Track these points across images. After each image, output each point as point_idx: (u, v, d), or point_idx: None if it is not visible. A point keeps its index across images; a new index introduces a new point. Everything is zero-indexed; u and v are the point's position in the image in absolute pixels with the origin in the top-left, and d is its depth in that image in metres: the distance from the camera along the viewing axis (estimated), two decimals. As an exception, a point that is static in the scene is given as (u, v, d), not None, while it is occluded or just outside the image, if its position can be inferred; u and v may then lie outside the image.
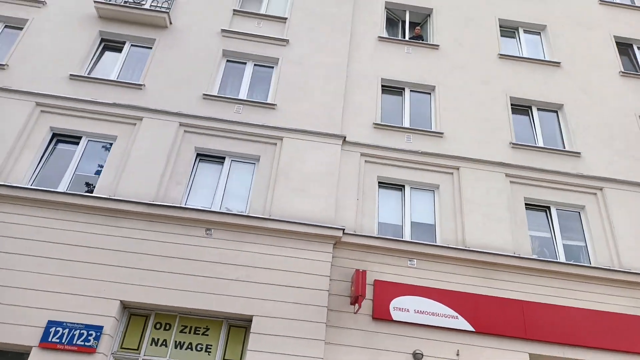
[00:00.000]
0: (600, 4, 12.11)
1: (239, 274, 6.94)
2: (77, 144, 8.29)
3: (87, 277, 6.70)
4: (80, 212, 7.21)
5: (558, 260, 8.02)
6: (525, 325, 7.20)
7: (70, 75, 8.80)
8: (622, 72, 10.77)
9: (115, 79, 9.05)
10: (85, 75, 8.96)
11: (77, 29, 9.56)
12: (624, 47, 11.54)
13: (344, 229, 7.54)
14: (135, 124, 8.43)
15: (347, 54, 10.08)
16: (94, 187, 7.77)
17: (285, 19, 10.54)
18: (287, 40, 10.09)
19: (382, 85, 10.00)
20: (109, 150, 8.24)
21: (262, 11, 10.81)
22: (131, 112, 8.51)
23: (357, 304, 6.82)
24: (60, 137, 8.36)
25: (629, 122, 10.04)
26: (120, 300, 6.65)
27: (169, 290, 6.73)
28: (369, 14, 11.07)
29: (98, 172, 7.98)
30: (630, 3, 12.43)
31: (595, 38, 11.41)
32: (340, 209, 7.99)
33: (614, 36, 11.52)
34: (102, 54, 9.66)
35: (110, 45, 9.79)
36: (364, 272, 6.86)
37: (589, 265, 7.99)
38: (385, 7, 11.41)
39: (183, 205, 7.54)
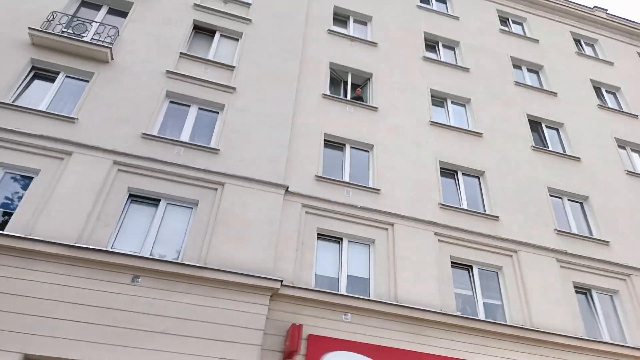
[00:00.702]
0: (515, 84, 14.25)
1: (166, 326, 6.76)
2: (-10, 176, 7.79)
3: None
4: (-12, 253, 6.67)
5: (478, 318, 8.81)
6: (449, 381, 7.75)
7: (-8, 102, 8.44)
8: (534, 147, 12.60)
9: (44, 110, 8.78)
10: (10, 102, 8.60)
11: (6, 53, 9.26)
12: (534, 124, 13.56)
13: (282, 281, 7.74)
14: (63, 159, 8.16)
15: (293, 106, 10.76)
16: (6, 224, 7.24)
17: (233, 67, 11.08)
18: (234, 88, 10.56)
19: (325, 140, 10.75)
20: (27, 186, 7.81)
21: (210, 57, 11.27)
22: (60, 145, 8.25)
23: (291, 359, 6.93)
24: (-31, 171, 7.78)
25: (540, 191, 11.64)
26: (24, 354, 6.12)
27: (83, 343, 6.35)
28: (314, 71, 12.00)
29: (12, 208, 7.50)
30: (539, 86, 14.77)
31: (512, 114, 13.31)
32: (279, 260, 8.23)
33: (527, 114, 13.53)
34: (31, 82, 9.38)
35: (42, 74, 9.56)
36: (300, 326, 7.06)
37: (505, 323, 8.86)
38: (330, 67, 12.46)
39: (109, 249, 7.30)
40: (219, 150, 9.36)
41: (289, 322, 7.40)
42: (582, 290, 10.27)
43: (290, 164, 9.82)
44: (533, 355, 8.68)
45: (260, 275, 7.58)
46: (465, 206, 10.75)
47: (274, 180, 9.21)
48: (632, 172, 13.03)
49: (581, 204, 12.09)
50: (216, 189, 8.78)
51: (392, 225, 9.62)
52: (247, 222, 8.40)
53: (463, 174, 11.48)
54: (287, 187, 9.23)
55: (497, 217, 10.61)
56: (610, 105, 15.12)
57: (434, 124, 12.02)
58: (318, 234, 9.13)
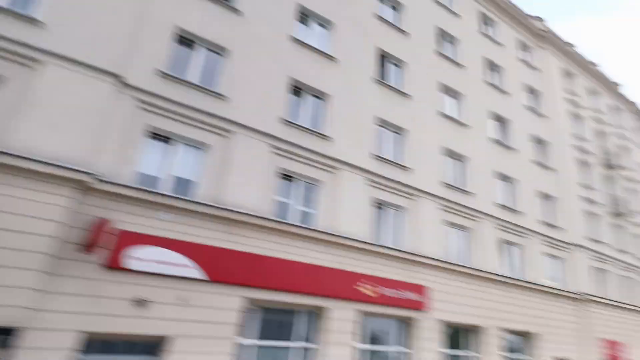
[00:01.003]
0: (375, 17, 13.71)
1: None
2: None
3: None
4: None
5: (291, 222, 9.25)
6: (253, 274, 8.23)
7: None
8: (376, 79, 12.69)
9: None
10: None
11: None
12: (382, 58, 13.49)
13: (93, 174, 6.80)
14: None
15: (144, -10, 8.71)
16: None
17: None
18: (70, -48, 7.95)
19: (177, 35, 9.27)
20: None
21: None
22: None
23: (91, 252, 6.38)
24: None
25: (368, 120, 12.01)
26: None
27: None
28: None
29: None
30: (395, 24, 14.43)
31: (366, 45, 13.01)
32: (99, 153, 7.27)
33: (379, 47, 13.30)
34: None
35: None
36: (104, 220, 6.49)
37: (311, 227, 9.48)
38: (195, -46, 10.19)
39: None
40: (44, 24, 7.30)
41: (102, 217, 6.68)
42: (380, 205, 11.41)
43: (133, 53, 8.29)
44: (333, 255, 9.68)
45: (65, 166, 6.52)
46: (304, 124, 10.59)
47: (107, 67, 7.70)
48: (441, 113, 14.22)
49: (400, 135, 12.85)
50: (33, 67, 6.95)
51: (231, 132, 9.08)
52: (65, 109, 7.01)
53: (310, 94, 11.14)
54: (120, 77, 7.77)
55: (329, 137, 10.76)
56: (445, 53, 15.69)
57: (293, 39, 11.12)
58: (149, 132, 8.16)
